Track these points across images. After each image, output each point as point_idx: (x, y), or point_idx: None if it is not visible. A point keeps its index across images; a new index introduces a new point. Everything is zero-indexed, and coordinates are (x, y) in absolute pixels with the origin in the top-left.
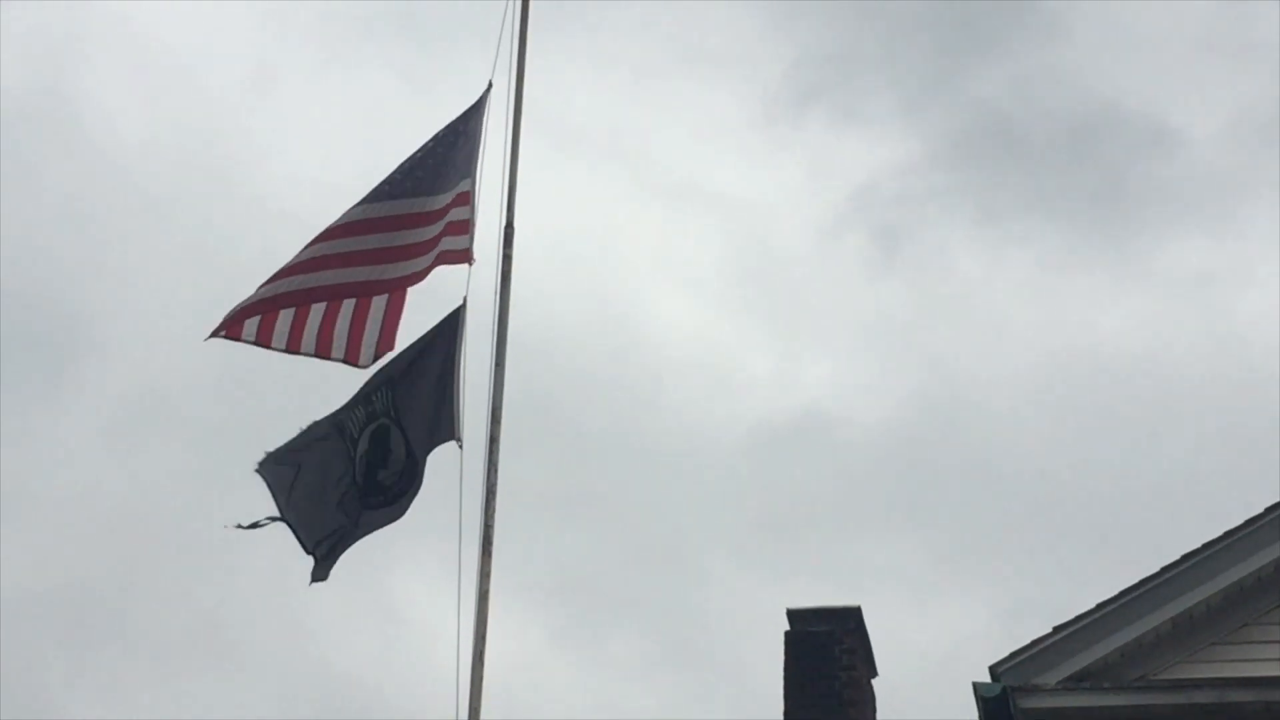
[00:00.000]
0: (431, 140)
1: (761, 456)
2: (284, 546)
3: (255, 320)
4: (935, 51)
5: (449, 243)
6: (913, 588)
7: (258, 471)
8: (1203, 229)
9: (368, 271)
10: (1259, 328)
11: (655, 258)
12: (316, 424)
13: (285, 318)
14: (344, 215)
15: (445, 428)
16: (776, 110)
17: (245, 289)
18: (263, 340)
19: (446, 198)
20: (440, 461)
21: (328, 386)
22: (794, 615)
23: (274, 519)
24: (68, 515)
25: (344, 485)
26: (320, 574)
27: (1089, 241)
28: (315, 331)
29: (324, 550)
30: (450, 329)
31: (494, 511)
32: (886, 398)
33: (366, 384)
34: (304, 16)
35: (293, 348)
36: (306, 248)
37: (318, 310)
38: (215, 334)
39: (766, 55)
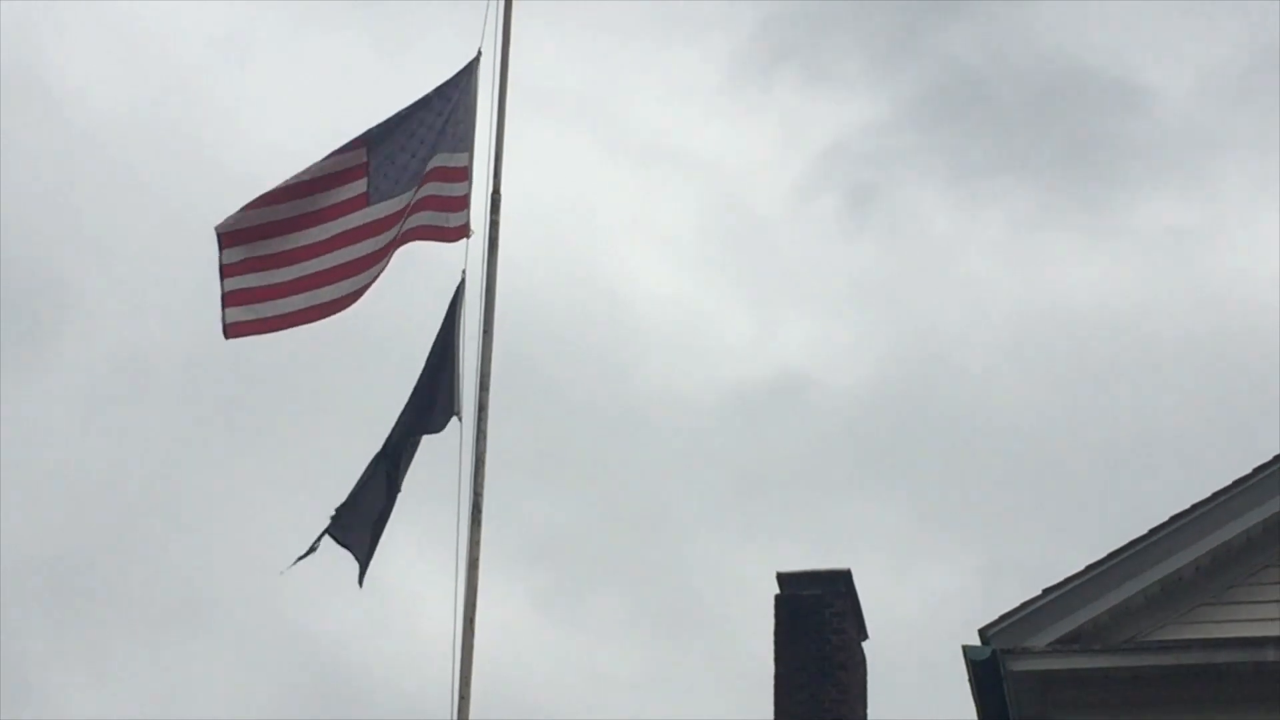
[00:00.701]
0: (416, 109)
1: (740, 419)
2: (267, 517)
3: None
4: (904, 11)
5: (446, 219)
6: (894, 548)
7: (332, 536)
8: (1175, 186)
9: (358, 280)
10: (1234, 284)
11: (629, 221)
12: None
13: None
14: (344, 204)
15: (446, 404)
16: (746, 71)
17: (215, 256)
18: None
19: (416, 182)
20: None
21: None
22: (784, 579)
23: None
24: (49, 485)
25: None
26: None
27: (1062, 200)
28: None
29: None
30: (452, 305)
31: (483, 480)
32: (863, 358)
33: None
34: None
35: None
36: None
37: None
38: (237, 335)
39: (734, 16)
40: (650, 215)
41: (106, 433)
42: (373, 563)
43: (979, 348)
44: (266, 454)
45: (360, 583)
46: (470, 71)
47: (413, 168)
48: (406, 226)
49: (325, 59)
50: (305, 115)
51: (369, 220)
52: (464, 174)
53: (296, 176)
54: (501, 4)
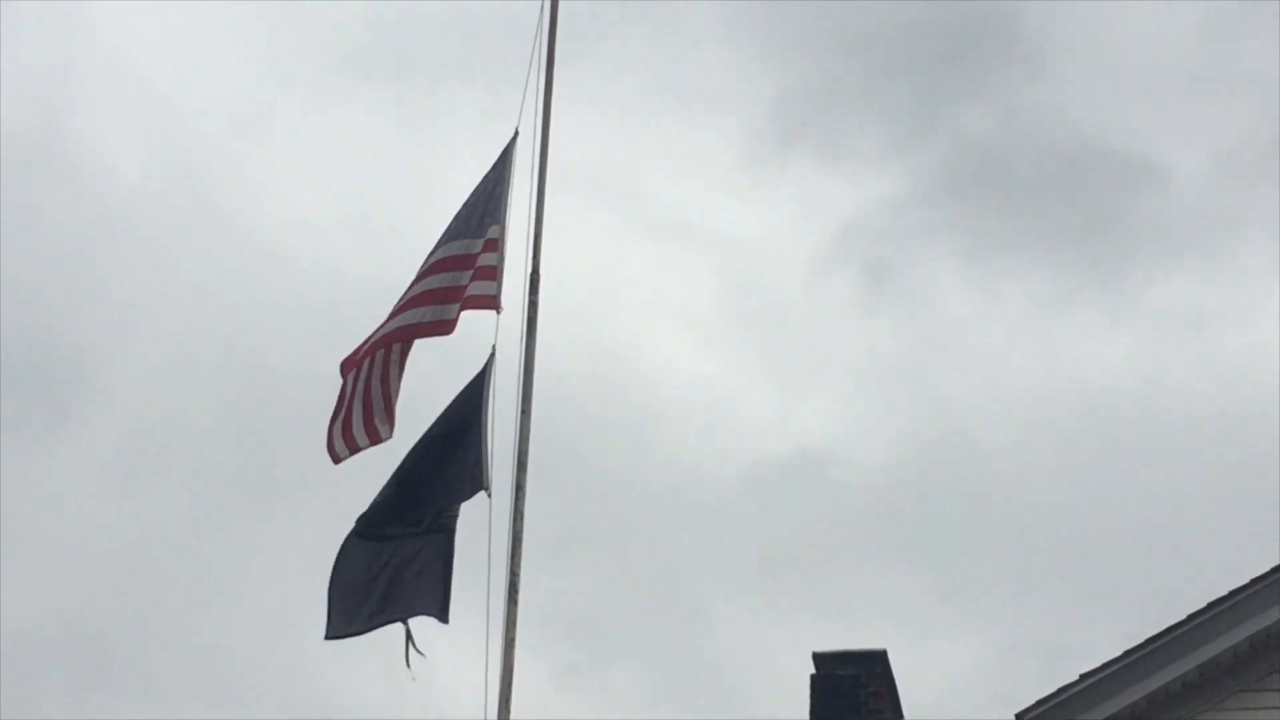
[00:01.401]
0: (480, 182)
1: (762, 495)
2: (290, 590)
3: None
4: (920, 86)
5: (476, 288)
6: (916, 624)
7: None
8: (1194, 265)
9: (432, 311)
10: (1254, 364)
11: (650, 298)
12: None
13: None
14: (425, 260)
15: (475, 477)
16: (762, 148)
17: (239, 329)
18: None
19: (478, 243)
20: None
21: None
22: (820, 659)
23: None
24: (68, 555)
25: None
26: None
27: (1080, 278)
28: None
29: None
30: (478, 379)
31: (520, 559)
32: (882, 435)
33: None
34: (296, 57)
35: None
36: None
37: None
38: (338, 459)
39: (749, 93)
40: (670, 292)
41: (128, 504)
42: (401, 637)
43: (997, 424)
44: (288, 526)
45: (445, 618)
46: (509, 150)
47: (472, 219)
48: (469, 292)
49: (345, 133)
50: (327, 190)
51: (438, 258)
52: (495, 245)
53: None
54: (542, 84)
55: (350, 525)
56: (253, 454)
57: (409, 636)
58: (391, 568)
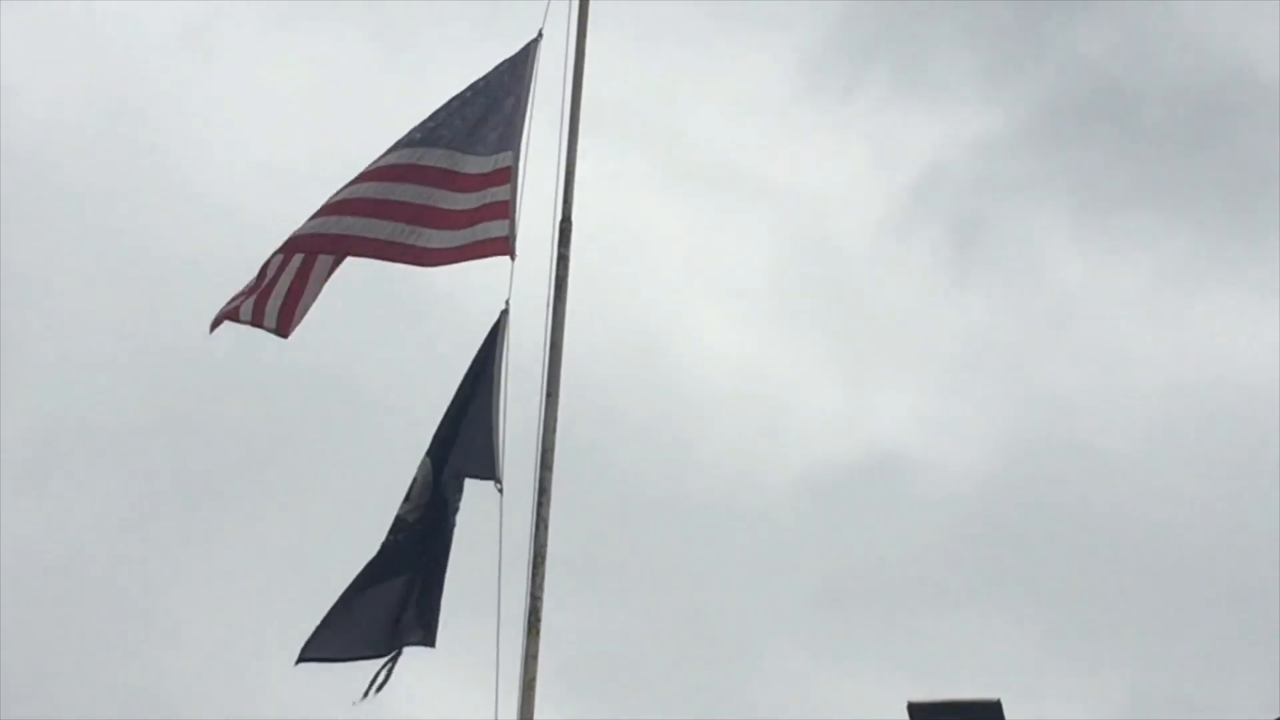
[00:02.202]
0: (472, 89)
1: (823, 510)
2: (237, 615)
3: (251, 299)
4: (1020, 2)
5: (486, 229)
6: (1016, 675)
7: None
8: None
9: (392, 229)
10: None
11: (687, 262)
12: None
13: (281, 286)
14: (375, 161)
15: (480, 460)
16: (824, 77)
17: (179, 298)
18: (256, 320)
19: (486, 163)
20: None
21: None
22: (917, 710)
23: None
24: None
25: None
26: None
27: (1223, 243)
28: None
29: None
30: (489, 342)
31: (543, 580)
32: (977, 438)
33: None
34: None
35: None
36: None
37: (321, 265)
38: (217, 323)
39: (808, 10)
40: (715, 255)
41: (35, 513)
42: (388, 679)
43: (1121, 427)
44: (234, 538)
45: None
46: (528, 55)
47: (479, 132)
48: (478, 234)
49: (308, 55)
50: (286, 125)
51: (420, 162)
52: (507, 175)
53: None
54: None
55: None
56: (192, 452)
57: (388, 668)
58: (384, 587)
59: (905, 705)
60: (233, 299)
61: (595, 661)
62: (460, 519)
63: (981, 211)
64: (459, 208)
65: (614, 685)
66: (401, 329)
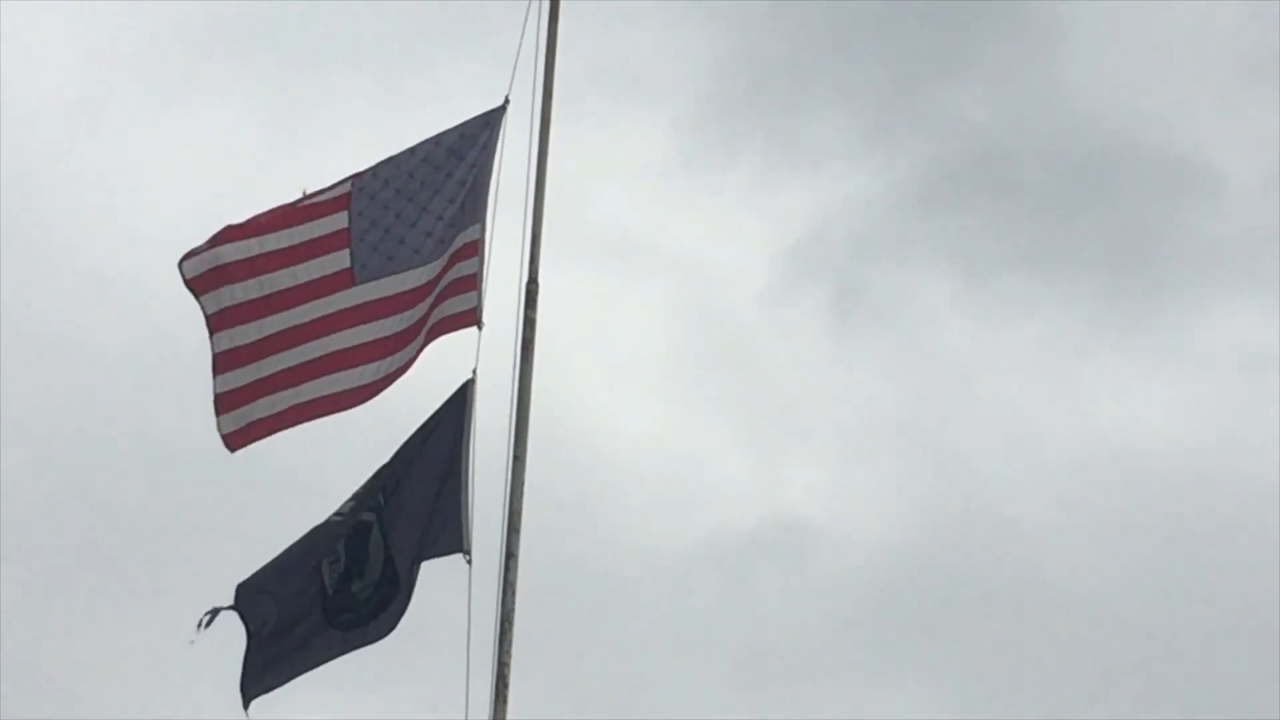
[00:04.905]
0: (411, 162)
1: (730, 584)
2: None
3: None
4: (897, 62)
5: (450, 306)
6: None
7: (233, 608)
8: (1255, 296)
9: (357, 375)
10: None
11: (585, 335)
12: (299, 540)
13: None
14: (325, 281)
15: (448, 536)
16: (700, 143)
17: (69, 376)
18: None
19: (438, 265)
20: (435, 579)
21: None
22: None
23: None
24: None
25: (312, 606)
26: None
27: (1106, 311)
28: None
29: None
30: (456, 410)
31: (510, 645)
32: (881, 506)
33: (368, 480)
34: (137, 35)
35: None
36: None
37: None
38: (240, 445)
39: (682, 71)
40: (611, 326)
41: None
42: None
43: (1026, 495)
44: (136, 628)
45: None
46: (493, 124)
47: (412, 241)
48: (432, 320)
49: (206, 128)
50: (181, 198)
51: (359, 303)
52: (475, 249)
53: (268, 213)
54: (543, 43)
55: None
56: (89, 536)
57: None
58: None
59: None
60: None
61: None
62: (429, 587)
63: (864, 276)
64: (416, 320)
65: None
66: None
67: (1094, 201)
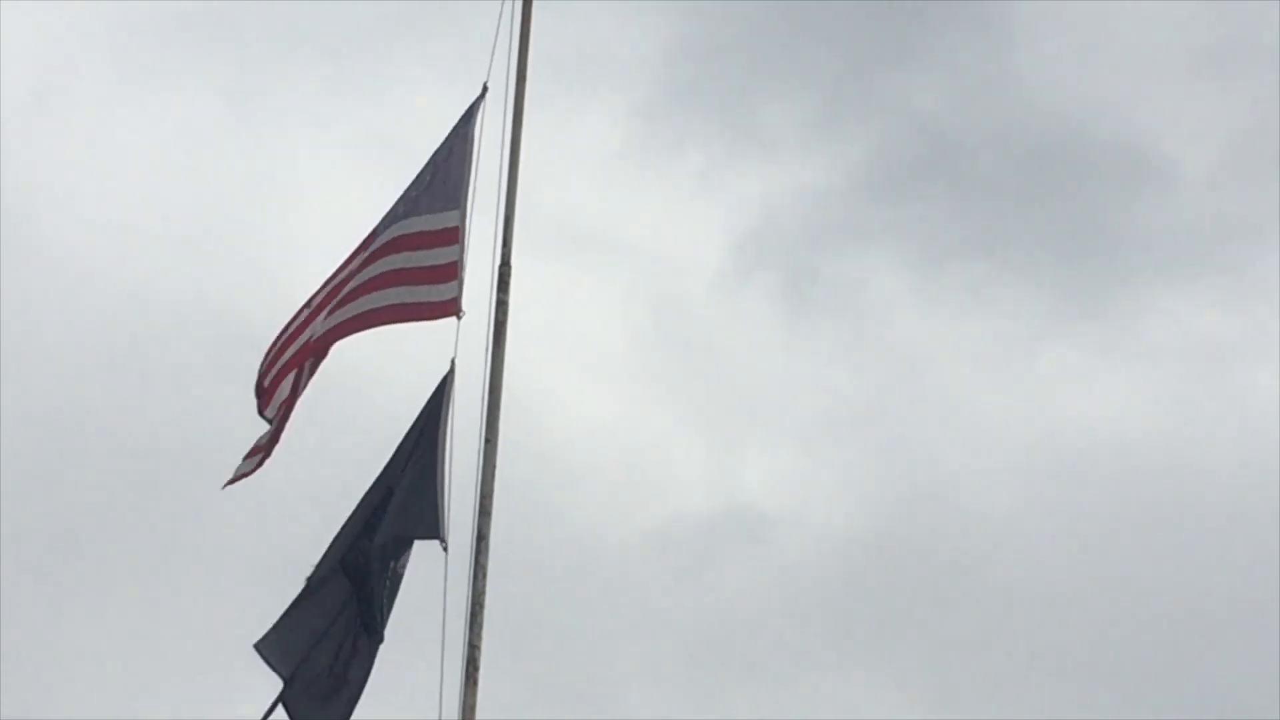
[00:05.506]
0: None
1: (687, 571)
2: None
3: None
4: (849, 50)
5: (435, 291)
6: None
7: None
8: (1206, 287)
9: (364, 302)
10: None
11: (540, 323)
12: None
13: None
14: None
15: (425, 521)
16: (653, 131)
17: (22, 364)
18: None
19: (435, 221)
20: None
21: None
22: None
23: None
24: None
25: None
26: None
27: (1058, 300)
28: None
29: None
30: (435, 399)
31: (481, 629)
32: (838, 494)
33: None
34: (99, 23)
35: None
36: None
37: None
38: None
39: (632, 58)
40: (569, 315)
41: None
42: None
43: (981, 484)
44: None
45: None
46: (473, 114)
47: (425, 198)
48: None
49: (163, 117)
50: (139, 187)
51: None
52: (454, 236)
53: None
54: (517, 27)
55: None
56: (42, 524)
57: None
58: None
59: None
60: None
61: None
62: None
63: (816, 265)
64: (410, 266)
65: None
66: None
67: (1046, 191)
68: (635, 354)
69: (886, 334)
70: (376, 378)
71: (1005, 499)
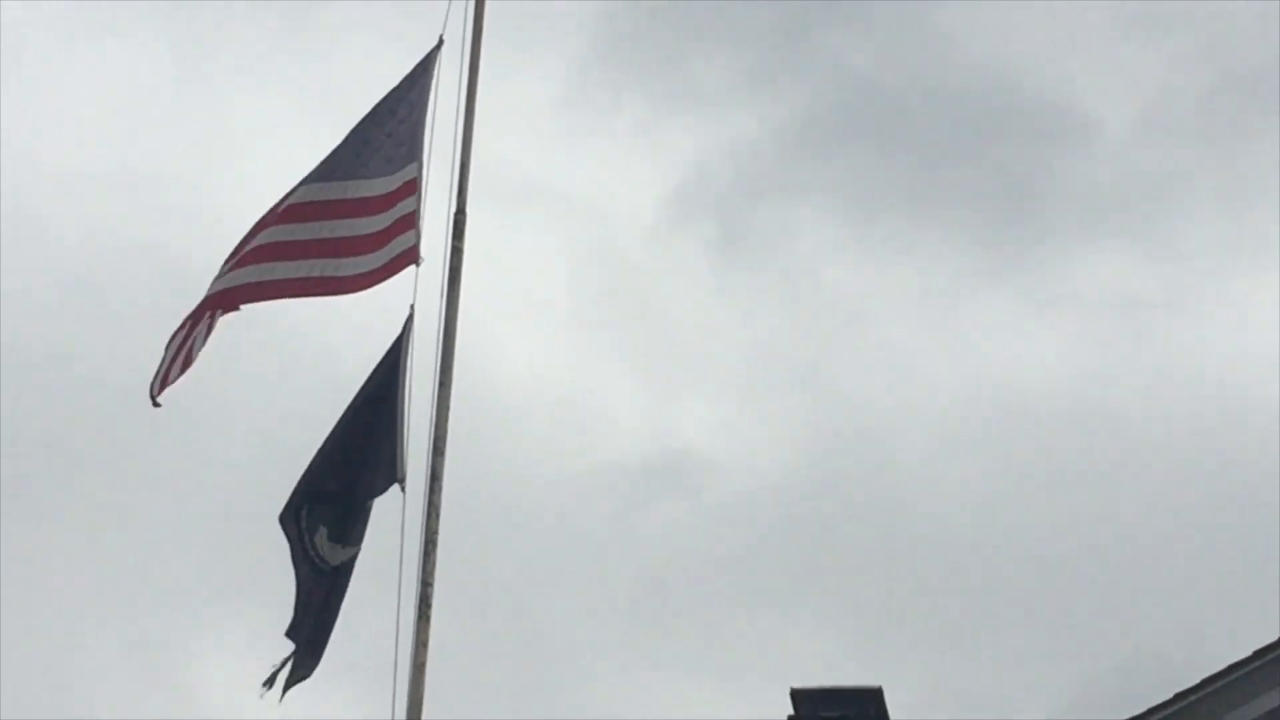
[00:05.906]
0: (371, 115)
1: (624, 515)
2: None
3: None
4: (780, 7)
5: (399, 243)
6: (821, 675)
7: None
8: (1127, 240)
9: (309, 266)
10: (1204, 358)
11: (484, 272)
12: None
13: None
14: (284, 198)
15: (386, 469)
16: (587, 84)
17: None
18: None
19: (394, 180)
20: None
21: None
22: (801, 696)
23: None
24: None
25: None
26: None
27: (985, 253)
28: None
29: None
30: (395, 346)
31: (434, 565)
32: (771, 440)
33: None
34: None
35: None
36: (240, 243)
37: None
38: (161, 390)
39: (571, 12)
40: (508, 265)
41: None
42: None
43: (911, 430)
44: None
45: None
46: (428, 65)
47: (366, 156)
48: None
49: (110, 66)
50: (87, 138)
51: (326, 198)
52: (413, 187)
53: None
54: None
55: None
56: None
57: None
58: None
59: (788, 692)
60: (165, 366)
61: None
62: None
63: (748, 217)
64: (370, 231)
65: (436, 690)
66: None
67: (973, 147)
68: (574, 301)
69: (817, 284)
70: (332, 323)
71: (933, 444)
